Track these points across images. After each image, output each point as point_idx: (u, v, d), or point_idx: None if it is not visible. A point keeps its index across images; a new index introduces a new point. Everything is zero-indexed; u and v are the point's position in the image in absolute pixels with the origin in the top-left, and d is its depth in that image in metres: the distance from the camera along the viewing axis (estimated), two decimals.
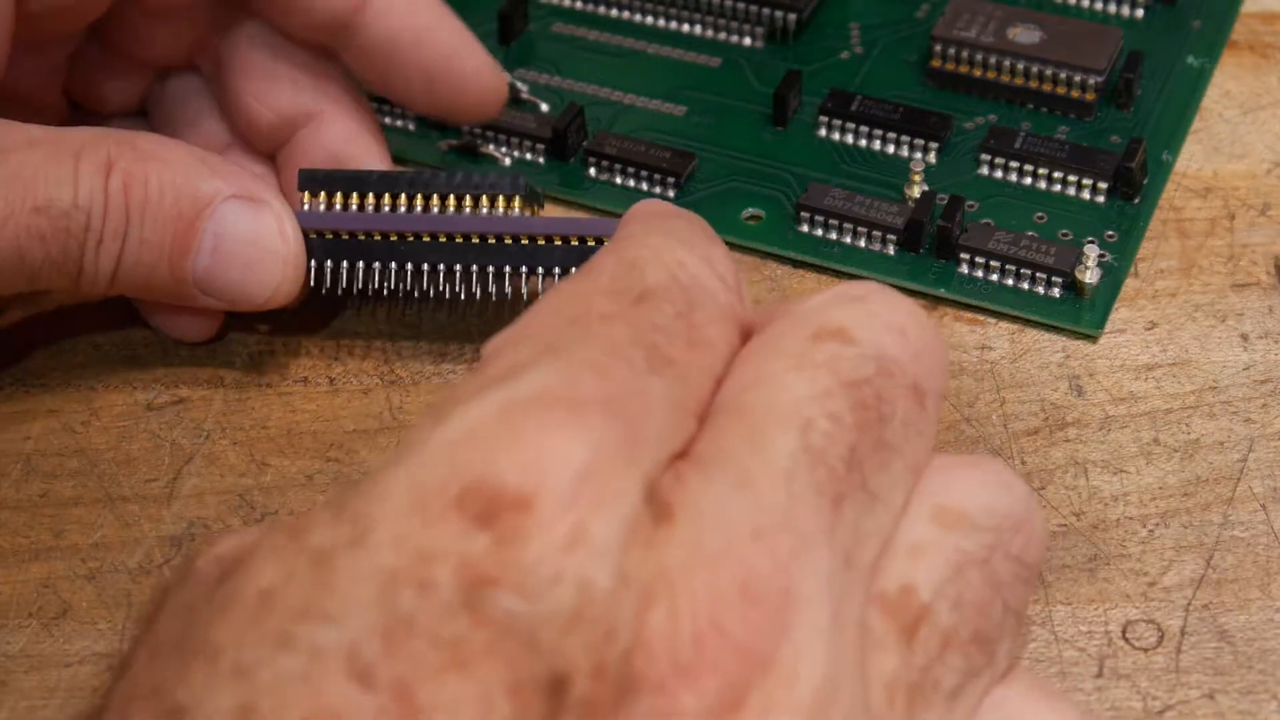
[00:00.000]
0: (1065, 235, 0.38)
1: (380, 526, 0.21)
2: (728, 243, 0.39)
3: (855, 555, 0.23)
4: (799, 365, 0.24)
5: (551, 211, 0.40)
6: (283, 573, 0.21)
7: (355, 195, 0.35)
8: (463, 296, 0.35)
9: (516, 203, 0.35)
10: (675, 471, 0.22)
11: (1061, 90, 0.41)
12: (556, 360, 0.22)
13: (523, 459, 0.21)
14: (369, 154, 0.38)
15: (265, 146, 0.38)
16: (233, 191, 0.34)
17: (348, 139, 0.37)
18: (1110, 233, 0.38)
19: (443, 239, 0.35)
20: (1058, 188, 0.39)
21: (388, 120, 0.42)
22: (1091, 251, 0.37)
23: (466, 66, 0.37)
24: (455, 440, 0.21)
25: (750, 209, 0.40)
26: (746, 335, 0.26)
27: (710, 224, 0.39)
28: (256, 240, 0.34)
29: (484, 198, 0.35)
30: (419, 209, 0.35)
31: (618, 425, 0.22)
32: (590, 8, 0.45)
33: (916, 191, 0.39)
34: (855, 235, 0.38)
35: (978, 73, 0.42)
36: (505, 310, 0.36)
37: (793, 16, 0.43)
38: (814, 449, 0.23)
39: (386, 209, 0.35)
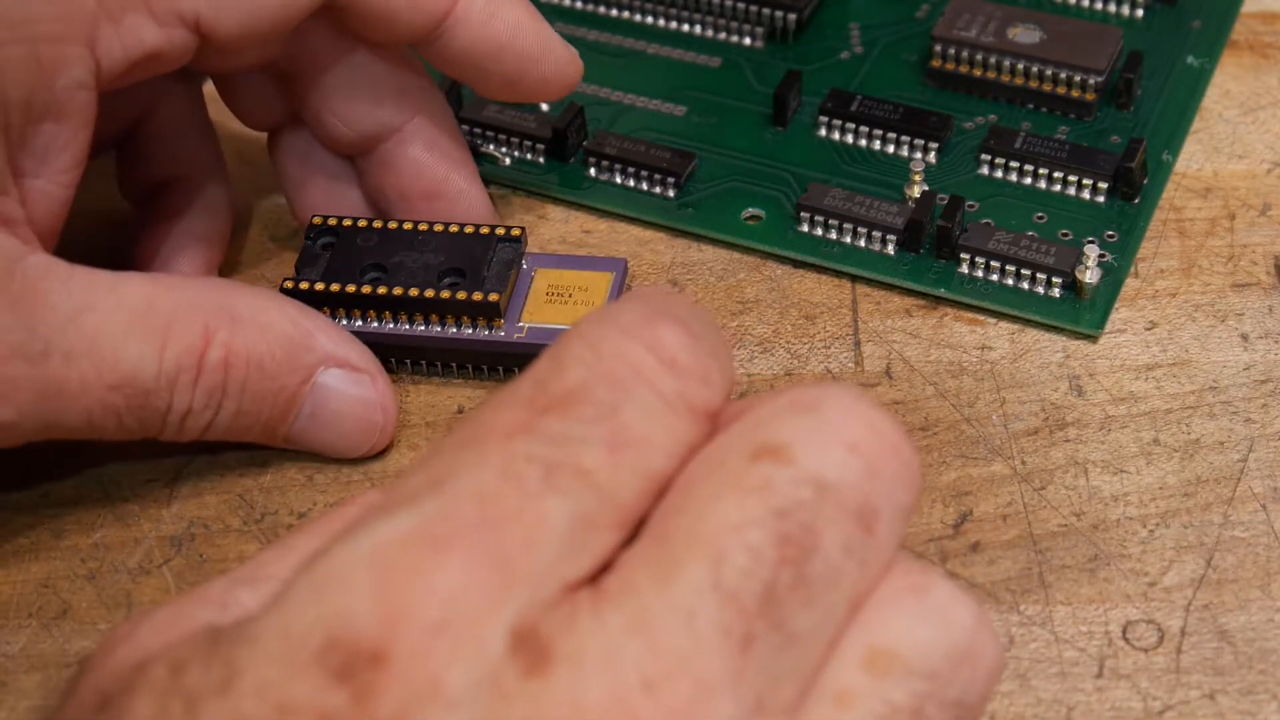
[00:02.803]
0: (1065, 235, 0.38)
1: (247, 674, 0.21)
2: (727, 243, 0.39)
3: (768, 698, 0.22)
4: (729, 489, 0.22)
5: (552, 212, 0.40)
6: (155, 713, 0.21)
7: (341, 310, 0.36)
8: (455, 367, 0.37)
9: (497, 321, 0.36)
10: (569, 607, 0.21)
11: (1061, 90, 0.41)
12: (438, 493, 0.22)
13: (381, 609, 0.21)
14: (450, 161, 0.37)
15: (343, 153, 0.38)
16: (336, 360, 0.34)
17: (429, 148, 0.37)
18: (1110, 233, 0.38)
19: (427, 349, 0.36)
20: (1058, 188, 0.39)
21: None
22: (1091, 251, 0.37)
23: (547, 70, 0.36)
24: (322, 585, 0.21)
25: (750, 209, 0.40)
26: (715, 420, 0.24)
27: (710, 224, 0.39)
28: (356, 411, 0.34)
29: (464, 317, 0.36)
30: (404, 326, 0.36)
31: (485, 565, 0.21)
32: (590, 8, 0.45)
33: (916, 191, 0.39)
34: (855, 235, 0.38)
35: (978, 73, 0.42)
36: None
37: (793, 16, 0.43)
38: (725, 586, 0.22)
39: (373, 324, 0.36)
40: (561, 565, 0.22)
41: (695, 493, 0.23)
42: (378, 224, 0.37)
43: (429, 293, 0.35)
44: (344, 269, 0.36)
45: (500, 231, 0.37)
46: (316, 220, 0.37)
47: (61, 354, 0.30)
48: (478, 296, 0.35)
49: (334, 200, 0.38)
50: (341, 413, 0.34)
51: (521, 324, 0.36)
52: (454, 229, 0.37)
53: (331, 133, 0.37)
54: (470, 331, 0.36)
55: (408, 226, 0.37)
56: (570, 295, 0.36)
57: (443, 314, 0.36)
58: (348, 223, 0.37)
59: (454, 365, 0.36)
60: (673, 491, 0.23)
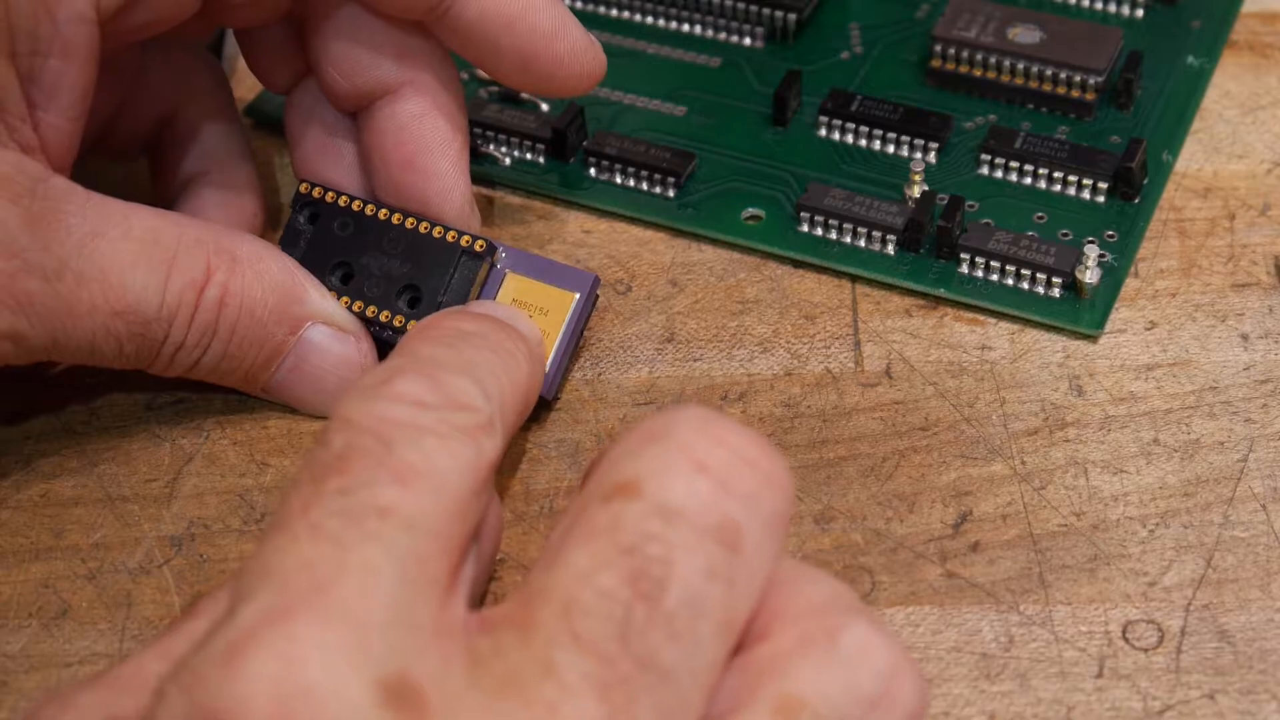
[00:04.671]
0: (1065, 235, 0.38)
1: None
2: (727, 243, 0.39)
3: None
4: (582, 537, 0.23)
5: (552, 212, 0.40)
6: None
7: None
8: None
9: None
10: (440, 661, 0.22)
11: (1061, 90, 0.41)
12: (267, 582, 0.22)
13: (237, 693, 0.21)
14: (437, 136, 0.37)
15: (343, 108, 0.38)
16: (324, 317, 0.35)
17: (419, 117, 0.36)
18: (1110, 233, 0.38)
19: (385, 350, 0.36)
20: (1058, 188, 0.39)
21: None
22: (1091, 251, 0.37)
23: (561, 49, 0.36)
24: (187, 686, 0.21)
25: (750, 209, 0.40)
26: (496, 430, 0.25)
27: (710, 224, 0.39)
28: (336, 370, 0.35)
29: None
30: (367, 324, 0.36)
31: (331, 623, 0.21)
32: (590, 8, 0.45)
33: (916, 191, 0.39)
34: (855, 235, 0.38)
35: (978, 73, 0.42)
36: None
37: (793, 16, 0.43)
38: (579, 633, 0.22)
39: None
40: (410, 608, 0.22)
41: (556, 545, 0.23)
42: (356, 205, 0.36)
43: (384, 316, 0.35)
44: (317, 262, 0.36)
45: (465, 242, 0.36)
46: (304, 188, 0.37)
47: (74, 274, 0.31)
48: None
49: (329, 158, 0.38)
50: (323, 369, 0.35)
51: None
52: (423, 228, 0.36)
53: (328, 84, 0.37)
54: None
55: (382, 216, 0.36)
56: (529, 316, 0.35)
57: (395, 332, 0.36)
58: (330, 197, 0.36)
59: None
60: (544, 550, 0.23)
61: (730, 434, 0.23)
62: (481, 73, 0.43)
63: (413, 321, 0.35)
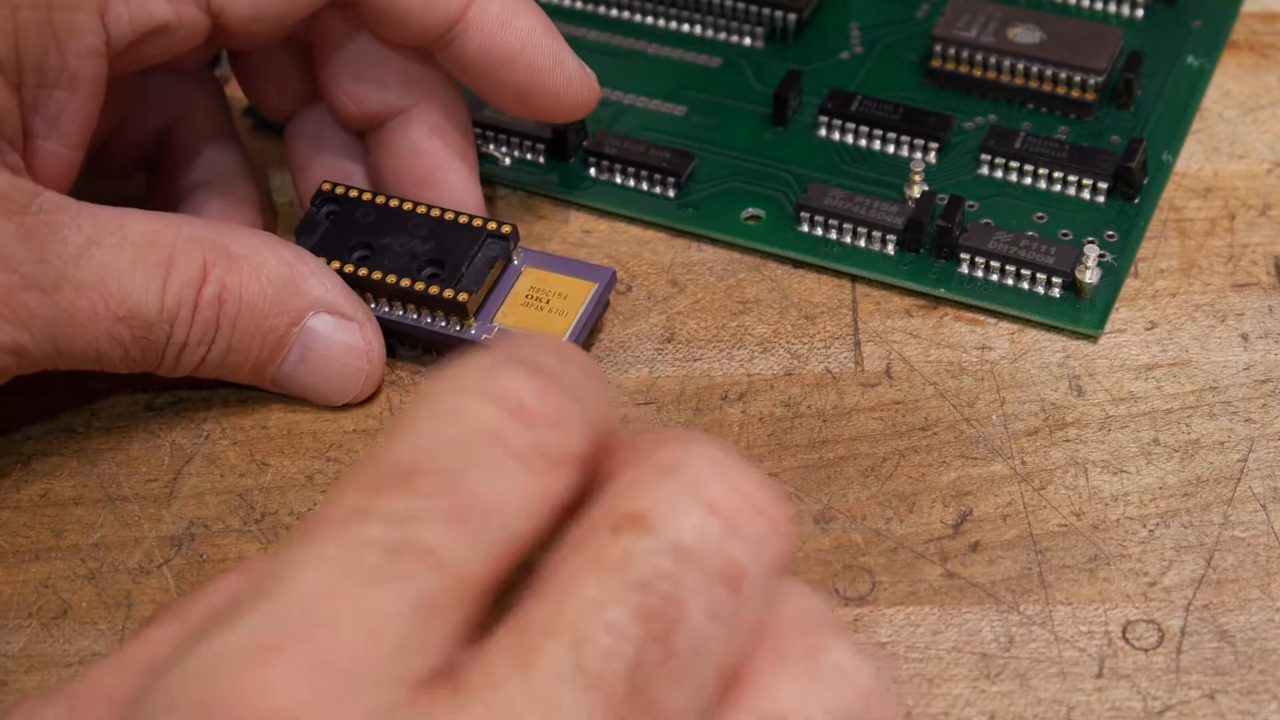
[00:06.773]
0: (1065, 235, 0.38)
1: None
2: (727, 243, 0.39)
3: None
4: (589, 567, 0.22)
5: (552, 212, 0.40)
6: None
7: None
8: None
9: (468, 320, 0.36)
10: (423, 707, 0.20)
11: (1061, 90, 0.41)
12: (271, 598, 0.21)
13: None
14: (449, 153, 0.37)
15: (353, 129, 0.38)
16: (325, 305, 0.35)
17: (430, 135, 0.37)
18: (1110, 233, 0.38)
19: (402, 334, 0.37)
20: (1058, 188, 0.39)
21: None
22: (1091, 251, 0.37)
23: (558, 82, 0.37)
24: (161, 708, 0.20)
25: (750, 209, 0.40)
26: (579, 464, 0.23)
27: (710, 224, 0.39)
28: (342, 357, 0.35)
29: (437, 311, 0.36)
30: (383, 309, 0.36)
31: (316, 673, 0.20)
32: (590, 8, 0.45)
33: (916, 191, 0.39)
34: (855, 235, 0.38)
35: (978, 73, 0.42)
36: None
37: (793, 16, 0.43)
38: (588, 669, 0.21)
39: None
40: (406, 658, 0.21)
41: (558, 575, 0.22)
42: (380, 199, 0.37)
43: (405, 282, 0.36)
44: (336, 244, 0.36)
45: (491, 226, 0.36)
46: (325, 186, 0.37)
47: (72, 285, 0.32)
48: (449, 294, 0.35)
49: (335, 180, 0.39)
50: (329, 358, 0.35)
51: (494, 324, 0.36)
52: (448, 216, 0.37)
53: (339, 109, 0.38)
54: (443, 325, 0.36)
55: (406, 207, 0.37)
56: (548, 302, 0.36)
57: (417, 305, 0.36)
58: (353, 194, 0.37)
59: (434, 352, 0.37)
60: (542, 576, 0.22)
61: (740, 478, 0.23)
62: None
63: (434, 287, 0.35)
